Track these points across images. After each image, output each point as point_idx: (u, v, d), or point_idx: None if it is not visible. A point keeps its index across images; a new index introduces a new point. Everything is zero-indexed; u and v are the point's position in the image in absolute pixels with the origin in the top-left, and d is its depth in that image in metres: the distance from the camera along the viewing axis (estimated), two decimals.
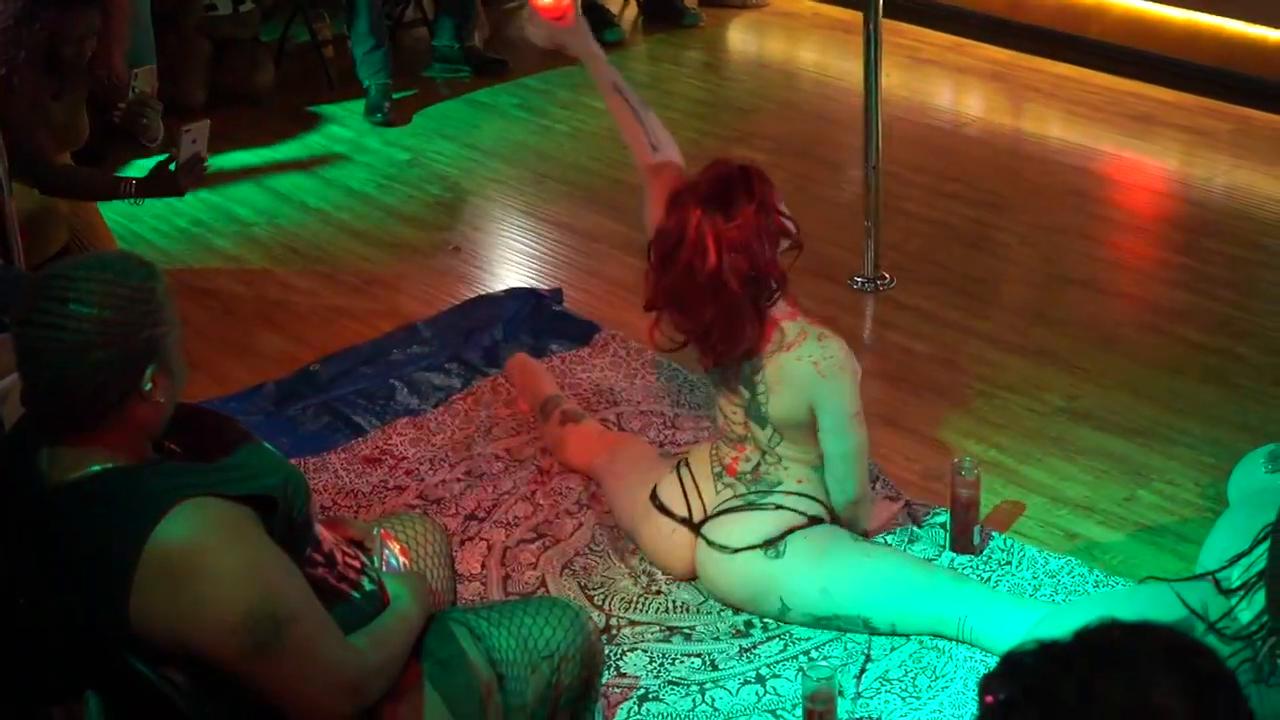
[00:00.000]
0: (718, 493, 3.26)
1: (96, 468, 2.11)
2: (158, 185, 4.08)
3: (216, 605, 2.05)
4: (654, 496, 3.34)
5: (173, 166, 4.11)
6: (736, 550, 3.19)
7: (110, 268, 2.12)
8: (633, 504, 3.40)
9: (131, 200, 4.13)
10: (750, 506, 3.22)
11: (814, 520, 3.21)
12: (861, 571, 3.14)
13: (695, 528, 3.27)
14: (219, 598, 2.05)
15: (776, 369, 3.12)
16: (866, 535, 3.36)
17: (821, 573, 3.14)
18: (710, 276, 3.04)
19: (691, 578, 3.33)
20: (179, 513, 2.04)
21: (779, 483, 3.22)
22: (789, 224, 3.11)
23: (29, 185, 4.08)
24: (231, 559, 2.07)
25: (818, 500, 3.23)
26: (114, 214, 4.53)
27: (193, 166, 4.07)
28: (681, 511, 3.29)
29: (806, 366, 3.11)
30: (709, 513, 3.25)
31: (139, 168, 5.43)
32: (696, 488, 3.28)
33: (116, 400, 2.10)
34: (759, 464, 3.23)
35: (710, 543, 3.23)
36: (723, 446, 3.29)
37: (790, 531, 3.18)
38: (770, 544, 3.18)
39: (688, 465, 3.33)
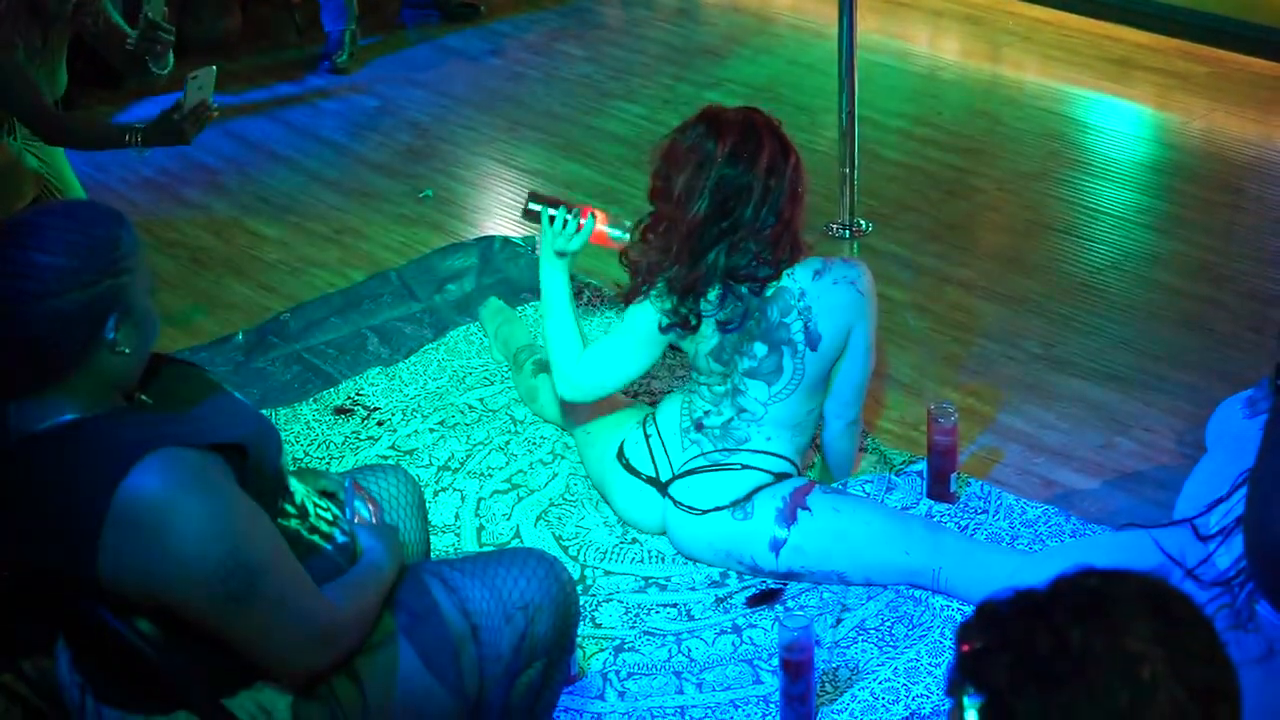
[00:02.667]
0: (684, 449, 3.23)
1: (64, 418, 2.08)
2: (163, 133, 3.94)
3: (187, 556, 2.03)
4: (620, 455, 3.31)
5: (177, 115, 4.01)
6: (704, 512, 3.17)
7: (75, 216, 2.11)
8: (601, 461, 3.37)
9: (137, 150, 4.01)
10: (716, 467, 3.19)
11: (781, 476, 3.19)
12: (833, 528, 3.11)
13: (663, 487, 3.24)
14: (190, 549, 2.03)
15: (819, 297, 3.09)
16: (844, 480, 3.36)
17: (792, 530, 3.12)
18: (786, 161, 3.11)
19: (662, 534, 3.31)
20: (149, 463, 2.02)
21: (747, 439, 3.18)
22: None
23: (33, 134, 4.02)
24: (202, 510, 2.05)
25: (784, 458, 3.20)
26: (81, 164, 4.47)
27: (199, 114, 3.93)
28: (648, 470, 3.26)
29: (845, 288, 3.10)
30: (675, 471, 3.23)
31: (107, 113, 5.39)
32: (663, 445, 3.25)
33: (80, 350, 2.07)
34: (731, 420, 3.20)
35: (678, 503, 3.20)
36: (697, 400, 3.26)
37: (757, 491, 3.16)
38: (738, 504, 3.15)
39: (654, 421, 3.30)
